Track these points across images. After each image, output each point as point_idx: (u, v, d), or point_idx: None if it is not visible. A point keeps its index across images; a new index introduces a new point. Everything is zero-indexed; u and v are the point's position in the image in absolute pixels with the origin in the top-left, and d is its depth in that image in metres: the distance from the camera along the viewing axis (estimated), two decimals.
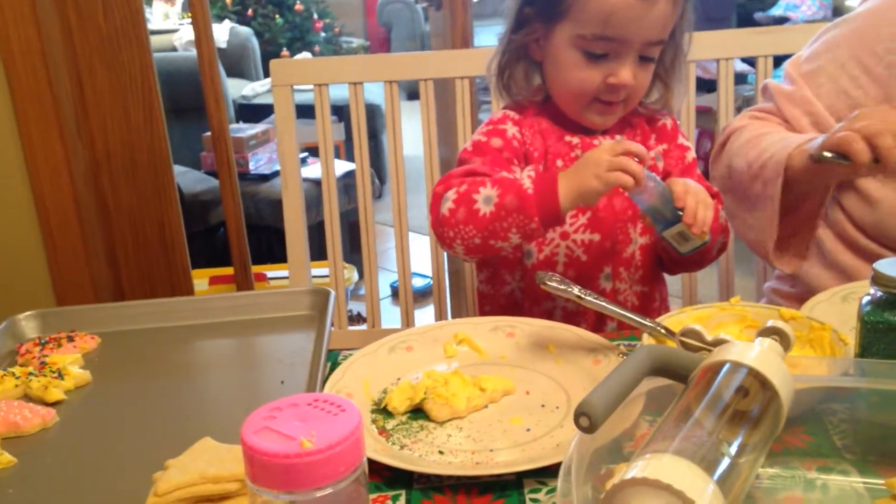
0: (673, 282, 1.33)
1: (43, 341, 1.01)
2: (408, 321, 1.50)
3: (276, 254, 3.06)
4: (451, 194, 1.05)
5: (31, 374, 0.92)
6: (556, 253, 1.14)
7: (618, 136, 1.16)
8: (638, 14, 1.02)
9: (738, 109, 1.49)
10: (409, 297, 1.50)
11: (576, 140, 1.15)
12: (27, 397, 0.91)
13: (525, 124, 1.15)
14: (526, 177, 1.01)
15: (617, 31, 1.04)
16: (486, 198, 1.02)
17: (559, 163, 1.13)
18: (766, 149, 1.09)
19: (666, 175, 1.20)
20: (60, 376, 0.92)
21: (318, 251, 1.60)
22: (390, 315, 1.61)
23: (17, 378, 0.92)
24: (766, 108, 1.21)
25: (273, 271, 2.65)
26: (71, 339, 1.02)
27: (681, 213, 0.97)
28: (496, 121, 1.16)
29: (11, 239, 1.75)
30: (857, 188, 1.12)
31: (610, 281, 1.15)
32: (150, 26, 1.81)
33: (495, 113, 1.19)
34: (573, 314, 1.16)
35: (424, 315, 2.20)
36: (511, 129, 1.14)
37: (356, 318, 2.78)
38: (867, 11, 1.17)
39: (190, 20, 4.36)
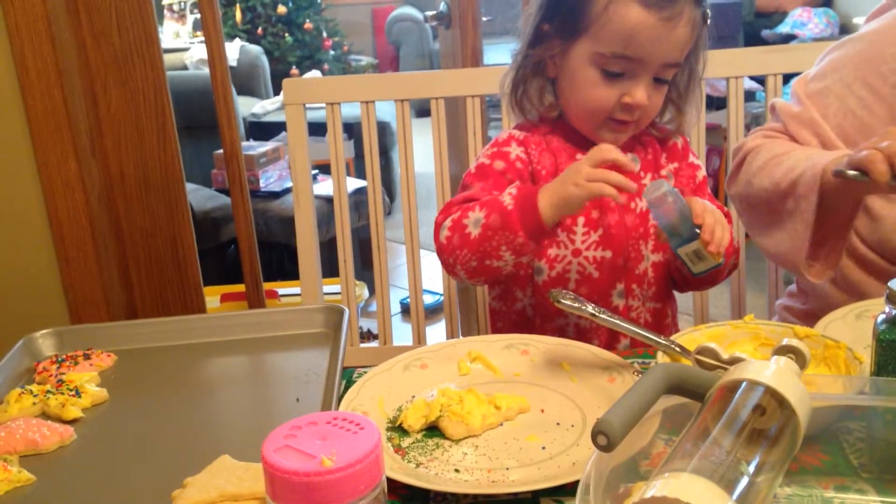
0: (684, 299, 1.33)
1: (60, 359, 1.01)
2: (419, 338, 1.51)
3: (287, 271, 3.07)
4: (448, 222, 1.08)
5: (48, 391, 0.93)
6: (567, 270, 1.15)
7: (630, 154, 1.17)
8: (659, 35, 1.04)
9: (748, 127, 1.50)
10: (421, 314, 1.50)
11: None
12: (45, 415, 0.91)
13: (532, 142, 1.16)
14: (507, 194, 1.03)
15: (636, 51, 1.05)
16: (474, 220, 1.04)
17: None
18: (794, 166, 1.10)
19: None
20: (78, 394, 0.93)
21: (329, 268, 1.61)
22: (401, 332, 1.61)
23: (35, 396, 0.92)
24: (776, 128, 1.22)
25: (284, 288, 2.65)
26: (87, 357, 1.02)
27: (698, 231, 0.98)
28: (500, 142, 1.17)
29: (26, 257, 1.76)
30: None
31: (623, 298, 1.16)
32: (162, 45, 1.82)
33: (501, 134, 1.20)
34: (585, 331, 1.16)
35: (435, 332, 2.20)
36: (515, 151, 1.15)
37: (366, 335, 2.78)
38: (872, 31, 1.18)
39: (200, 39, 4.39)
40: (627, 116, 1.10)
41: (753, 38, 4.59)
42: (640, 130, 1.16)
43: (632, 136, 1.16)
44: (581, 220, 1.14)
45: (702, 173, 1.23)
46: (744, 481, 0.55)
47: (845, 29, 4.56)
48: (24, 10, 1.63)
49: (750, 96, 3.46)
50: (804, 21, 4.62)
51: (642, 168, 1.18)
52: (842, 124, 1.15)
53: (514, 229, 1.00)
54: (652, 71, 1.07)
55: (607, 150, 0.98)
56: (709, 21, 1.10)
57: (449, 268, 1.08)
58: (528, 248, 1.02)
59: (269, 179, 3.24)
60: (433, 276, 1.59)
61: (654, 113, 1.13)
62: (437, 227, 1.10)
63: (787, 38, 4.52)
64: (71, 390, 0.93)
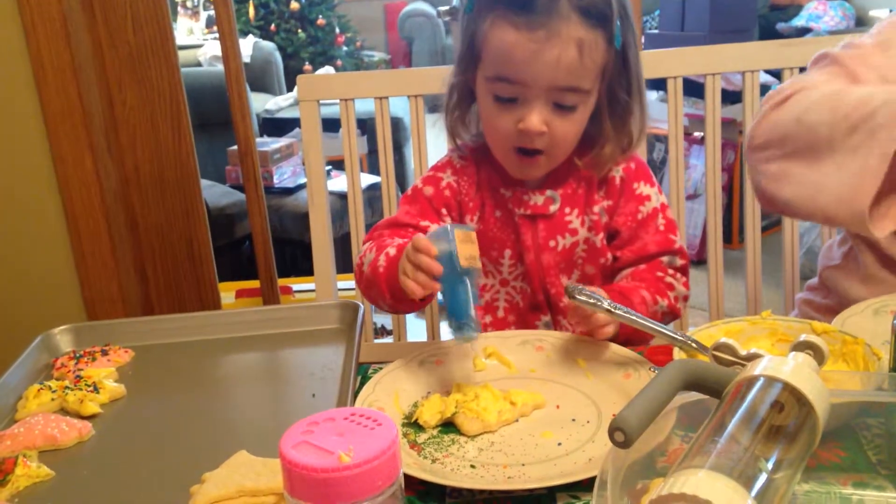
0: (699, 294, 1.33)
1: (78, 355, 1.02)
2: (433, 333, 1.51)
3: (301, 266, 3.08)
4: (365, 247, 1.08)
5: (66, 387, 0.94)
6: (496, 298, 1.16)
7: (549, 192, 1.11)
8: (533, 55, 0.98)
9: None
10: (435, 308, 1.50)
11: (508, 193, 1.12)
12: (63, 411, 0.92)
13: (465, 173, 1.14)
14: (384, 254, 1.00)
15: (515, 73, 1.00)
16: (370, 261, 1.04)
17: (497, 213, 1.13)
18: (869, 98, 0.96)
19: (614, 232, 1.12)
20: (96, 390, 0.94)
21: (343, 264, 1.61)
22: (414, 327, 1.61)
23: (54, 392, 0.93)
24: (832, 72, 1.07)
25: (298, 284, 2.66)
26: (105, 353, 1.03)
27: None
28: (438, 166, 1.17)
29: (43, 254, 1.77)
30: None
31: (550, 328, 1.14)
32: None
33: (445, 155, 1.18)
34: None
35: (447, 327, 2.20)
36: (447, 178, 1.14)
37: (380, 331, 2.78)
38: None
39: (214, 35, 4.39)
40: (528, 144, 1.03)
41: (768, 31, 4.56)
42: (555, 164, 1.08)
43: (557, 170, 1.09)
44: (508, 252, 1.13)
45: (650, 205, 1.12)
46: (762, 478, 0.54)
47: (861, 21, 4.52)
48: (41, 8, 1.64)
49: (765, 90, 3.43)
50: (819, 14, 4.58)
51: (568, 204, 1.11)
52: None
53: (381, 288, 1.00)
54: (543, 95, 1.00)
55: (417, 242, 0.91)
56: (622, 44, 1.02)
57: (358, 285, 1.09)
58: (402, 308, 1.03)
59: (283, 175, 3.25)
60: None
61: (565, 142, 1.05)
62: (362, 245, 1.09)
63: (803, 31, 4.48)
64: (89, 386, 0.94)
